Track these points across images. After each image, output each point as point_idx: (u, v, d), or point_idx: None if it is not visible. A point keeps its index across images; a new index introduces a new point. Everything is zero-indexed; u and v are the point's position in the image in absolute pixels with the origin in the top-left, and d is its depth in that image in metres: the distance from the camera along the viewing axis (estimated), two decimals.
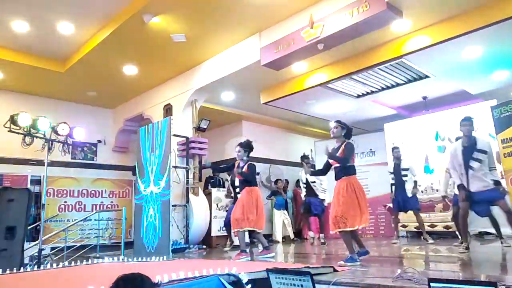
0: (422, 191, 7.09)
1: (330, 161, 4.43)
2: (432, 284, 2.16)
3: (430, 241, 6.40)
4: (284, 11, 5.89)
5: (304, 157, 6.90)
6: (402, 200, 6.64)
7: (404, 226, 7.81)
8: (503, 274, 3.33)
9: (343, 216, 4.10)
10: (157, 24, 6.03)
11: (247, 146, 5.45)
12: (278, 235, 8.55)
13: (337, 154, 4.34)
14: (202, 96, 8.06)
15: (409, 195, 6.57)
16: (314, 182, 7.04)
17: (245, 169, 5.33)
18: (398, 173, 6.74)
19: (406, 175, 6.66)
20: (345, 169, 4.28)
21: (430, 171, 7.93)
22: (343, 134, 4.43)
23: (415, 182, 6.72)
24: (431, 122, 8.37)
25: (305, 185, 7.19)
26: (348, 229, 4.11)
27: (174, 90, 8.25)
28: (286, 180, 10.11)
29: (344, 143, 4.38)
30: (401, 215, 7.24)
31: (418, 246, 6.16)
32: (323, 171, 4.66)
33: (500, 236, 5.26)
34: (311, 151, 11.02)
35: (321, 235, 7.10)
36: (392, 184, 6.79)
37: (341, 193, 4.18)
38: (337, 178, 4.34)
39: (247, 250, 5.33)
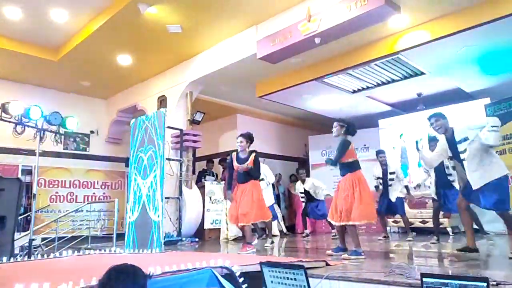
0: (414, 187, 7.04)
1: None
2: (424, 279, 2.17)
3: (410, 237, 6.27)
4: (281, 4, 5.84)
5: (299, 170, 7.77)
6: (387, 205, 6.46)
7: (395, 222, 7.85)
8: (493, 270, 3.36)
9: (347, 210, 4.15)
10: (153, 14, 5.94)
11: (249, 138, 5.33)
12: (274, 229, 8.53)
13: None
14: (197, 88, 8.00)
15: (393, 199, 6.39)
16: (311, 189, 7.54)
17: (250, 161, 5.16)
18: (386, 178, 6.56)
19: (392, 179, 6.49)
20: (347, 166, 4.34)
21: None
22: (342, 132, 4.43)
23: (406, 187, 6.64)
24: (425, 119, 8.37)
25: (303, 194, 7.68)
26: (351, 222, 4.15)
27: (168, 82, 8.17)
28: (279, 174, 10.12)
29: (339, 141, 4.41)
30: None
31: (409, 242, 6.19)
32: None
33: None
34: (305, 145, 11.04)
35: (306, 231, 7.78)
36: (376, 187, 6.68)
37: (343, 188, 4.27)
38: (342, 174, 4.42)
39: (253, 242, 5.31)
